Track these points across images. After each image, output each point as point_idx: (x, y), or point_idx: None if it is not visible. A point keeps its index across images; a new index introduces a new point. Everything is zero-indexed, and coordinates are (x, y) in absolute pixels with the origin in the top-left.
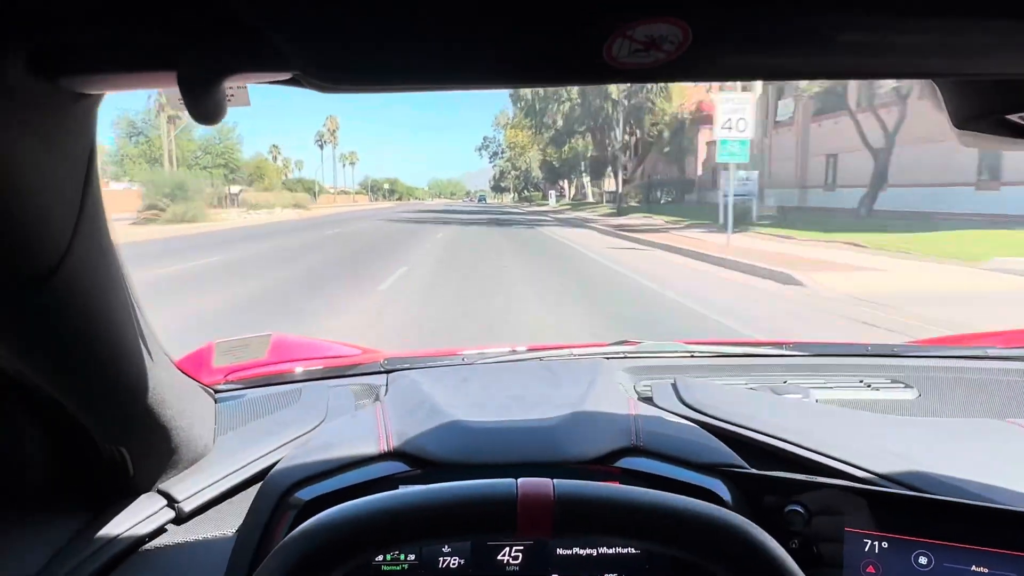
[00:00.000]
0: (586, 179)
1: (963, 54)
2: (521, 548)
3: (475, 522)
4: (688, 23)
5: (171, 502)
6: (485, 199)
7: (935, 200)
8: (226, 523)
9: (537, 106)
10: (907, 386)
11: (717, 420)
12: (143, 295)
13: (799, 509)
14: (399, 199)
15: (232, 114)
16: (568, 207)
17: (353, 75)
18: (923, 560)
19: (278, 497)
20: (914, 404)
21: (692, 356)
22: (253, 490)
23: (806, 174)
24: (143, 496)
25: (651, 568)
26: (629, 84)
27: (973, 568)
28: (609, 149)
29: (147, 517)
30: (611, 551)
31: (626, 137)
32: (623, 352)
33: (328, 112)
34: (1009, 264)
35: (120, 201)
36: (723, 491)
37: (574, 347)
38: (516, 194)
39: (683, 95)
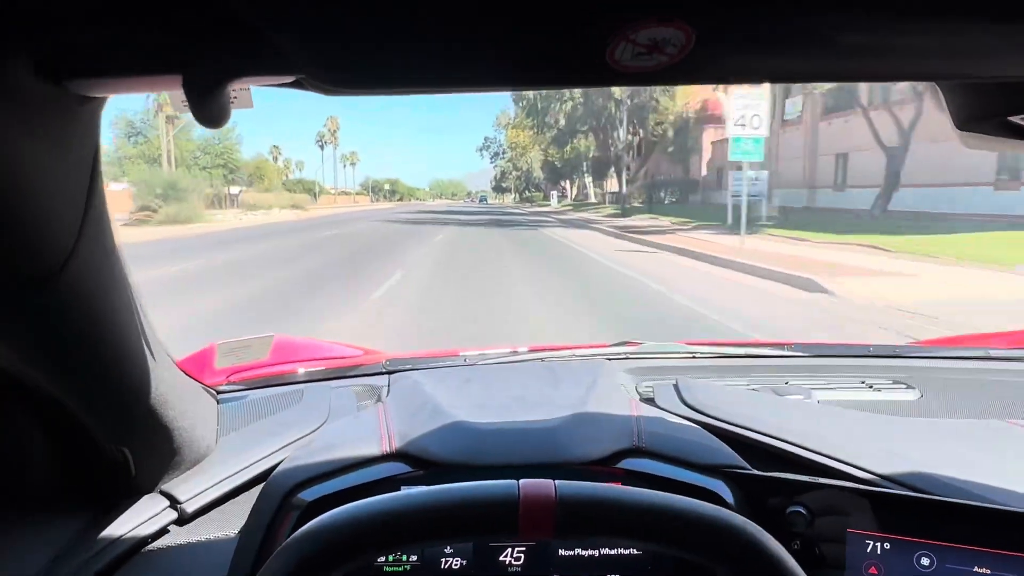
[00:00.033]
0: (588, 179)
1: (966, 57)
2: (523, 549)
3: (477, 523)
4: (690, 26)
5: (173, 503)
6: (486, 199)
7: (951, 201)
8: (228, 524)
9: (539, 105)
10: (909, 387)
11: (719, 421)
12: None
13: (801, 510)
14: (400, 200)
15: (232, 115)
16: (570, 208)
17: (358, 78)
18: (925, 561)
19: (280, 498)
20: (916, 405)
21: (694, 357)
22: (255, 491)
23: (815, 174)
24: (145, 497)
25: (653, 569)
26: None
27: (975, 569)
28: (612, 149)
29: (149, 518)
30: (613, 552)
31: (629, 136)
32: (625, 353)
33: (329, 113)
34: None
35: (116, 202)
36: (725, 492)
37: (576, 348)
38: (517, 195)
39: (688, 94)
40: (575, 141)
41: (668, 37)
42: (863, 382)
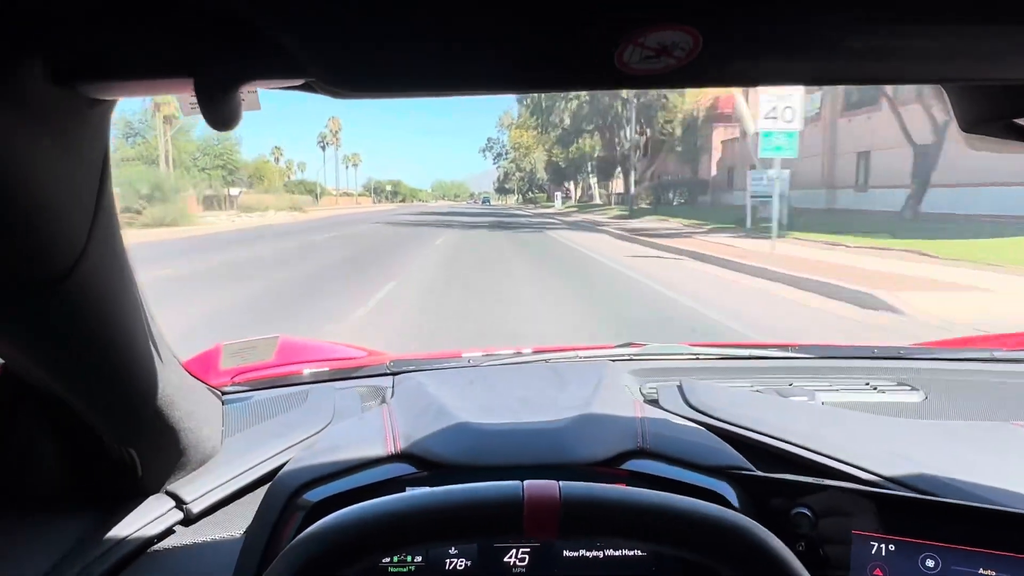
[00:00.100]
0: (593, 180)
1: (971, 59)
2: (528, 550)
3: (482, 524)
4: (698, 30)
5: (179, 503)
6: (489, 201)
7: (989, 201)
8: (234, 524)
9: (543, 105)
10: (913, 388)
11: (723, 422)
12: None
13: (806, 511)
14: (402, 201)
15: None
16: (575, 209)
17: (368, 81)
18: (930, 563)
19: (286, 499)
20: (920, 407)
21: (697, 359)
22: (261, 491)
23: (834, 173)
24: (151, 497)
25: (657, 570)
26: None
27: (980, 571)
28: (618, 149)
29: (155, 518)
30: (618, 553)
31: (636, 135)
32: (629, 354)
33: (330, 113)
34: None
35: None
36: (729, 493)
37: (580, 349)
38: (520, 196)
39: (698, 92)
40: (580, 141)
41: (676, 40)
42: (867, 384)
